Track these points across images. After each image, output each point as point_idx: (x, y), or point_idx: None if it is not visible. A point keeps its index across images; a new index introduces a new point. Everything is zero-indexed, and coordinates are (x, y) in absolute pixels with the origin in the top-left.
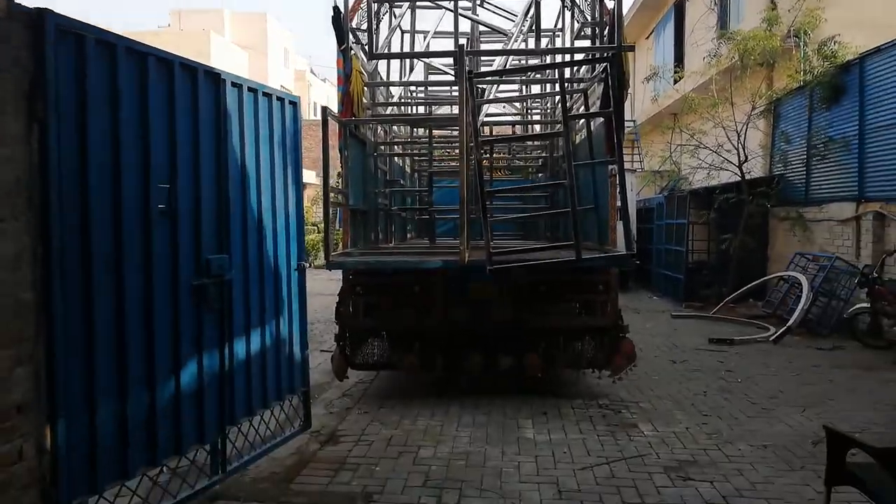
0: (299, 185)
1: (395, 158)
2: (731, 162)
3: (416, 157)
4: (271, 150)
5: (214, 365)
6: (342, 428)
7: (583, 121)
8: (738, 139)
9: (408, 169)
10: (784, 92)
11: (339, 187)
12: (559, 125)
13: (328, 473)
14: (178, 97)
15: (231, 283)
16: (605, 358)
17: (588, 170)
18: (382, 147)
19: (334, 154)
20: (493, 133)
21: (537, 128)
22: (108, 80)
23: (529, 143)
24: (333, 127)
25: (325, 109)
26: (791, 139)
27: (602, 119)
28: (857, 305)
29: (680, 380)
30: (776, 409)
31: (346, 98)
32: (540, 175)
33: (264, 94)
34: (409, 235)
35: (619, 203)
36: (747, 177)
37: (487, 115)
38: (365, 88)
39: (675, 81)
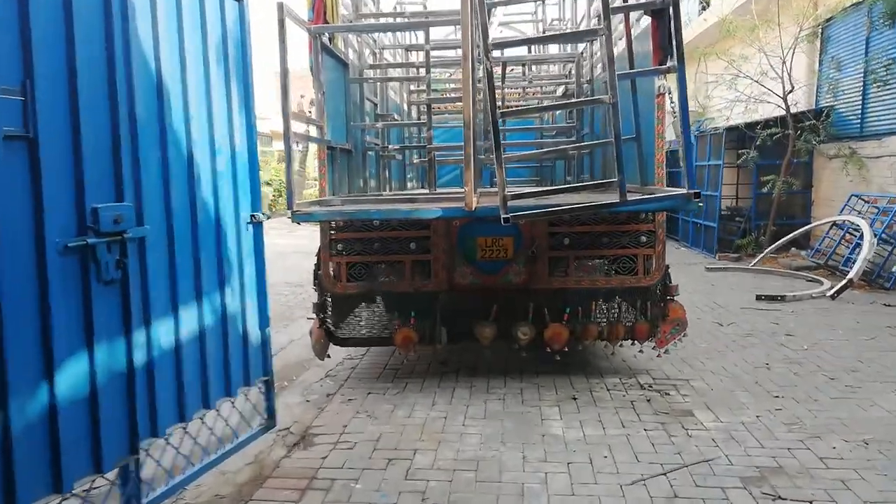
0: (250, 112)
1: (389, 89)
2: (774, 93)
3: (411, 84)
4: (206, 60)
5: (117, 360)
6: (319, 423)
7: (619, 27)
8: (783, 66)
9: (404, 104)
10: (835, 11)
11: (316, 119)
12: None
13: (290, 496)
14: None
15: (142, 242)
16: (649, 327)
17: (625, 91)
18: (370, 73)
19: (299, 72)
20: (505, 75)
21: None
22: None
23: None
24: (298, 38)
25: (280, 6)
26: (843, 66)
27: (647, 17)
28: None
29: (733, 348)
30: (862, 386)
31: (317, 2)
32: (559, 113)
33: None
34: (409, 184)
35: (669, 127)
36: (792, 110)
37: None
38: None
39: (704, 8)
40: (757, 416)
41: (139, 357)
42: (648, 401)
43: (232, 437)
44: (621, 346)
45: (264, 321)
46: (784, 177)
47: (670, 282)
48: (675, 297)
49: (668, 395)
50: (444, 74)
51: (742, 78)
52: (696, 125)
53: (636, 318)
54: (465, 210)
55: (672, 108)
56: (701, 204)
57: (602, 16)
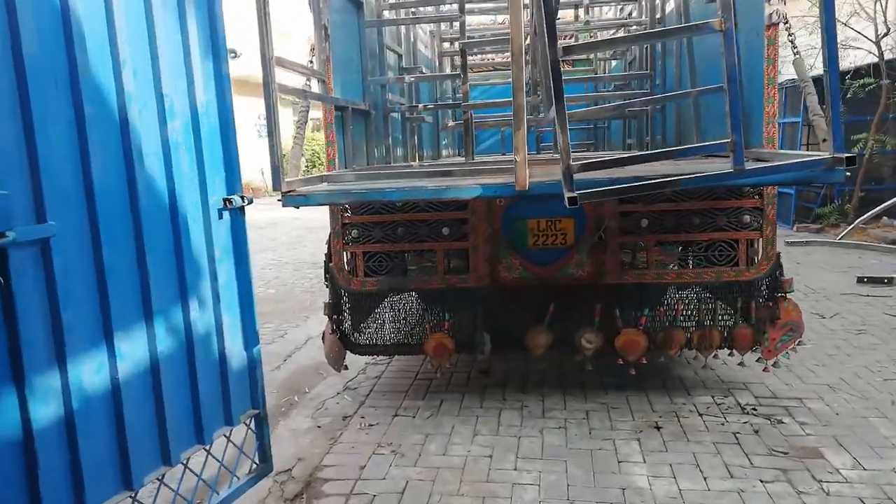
0: (221, 62)
1: (418, 41)
2: (865, 36)
3: (443, 31)
4: None
5: (7, 420)
6: (329, 463)
7: None
8: (876, 5)
9: (436, 58)
10: None
11: (315, 68)
12: None
13: None
14: None
15: (45, 246)
16: (753, 333)
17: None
18: (389, 14)
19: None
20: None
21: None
22: None
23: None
24: None
25: None
26: None
27: None
28: None
29: (847, 349)
30: None
31: None
32: (614, 64)
33: None
34: (444, 152)
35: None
36: (887, 56)
37: None
38: None
39: None
40: None
41: (45, 412)
42: (756, 432)
43: (209, 496)
44: (715, 356)
45: (251, 339)
46: (875, 134)
47: (782, 274)
48: (789, 294)
49: (781, 422)
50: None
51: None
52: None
53: (736, 320)
54: (514, 189)
55: (791, 38)
56: (849, 174)
57: None
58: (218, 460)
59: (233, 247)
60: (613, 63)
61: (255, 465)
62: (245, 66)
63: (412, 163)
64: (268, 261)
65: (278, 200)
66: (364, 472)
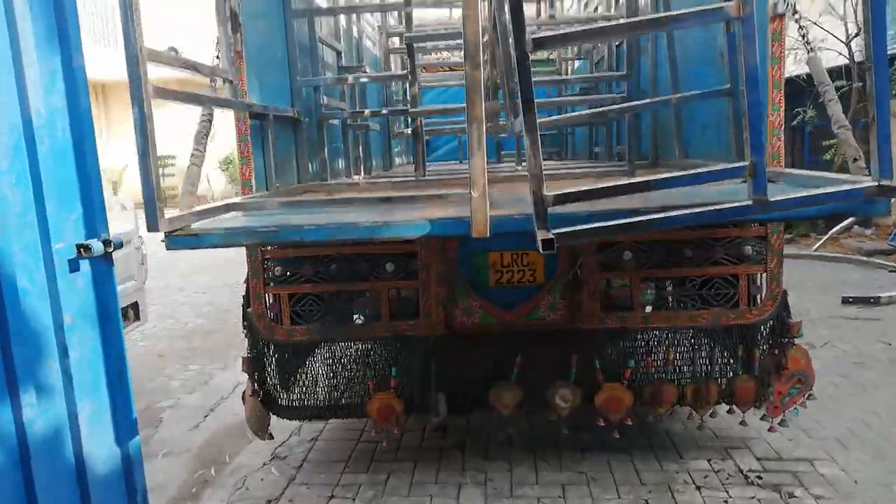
0: (71, 52)
1: (358, 30)
2: (834, 36)
3: (389, 20)
4: None
5: None
6: None
7: None
8: (846, 4)
9: (379, 52)
10: None
11: (223, 69)
12: None
13: None
14: None
15: None
16: (756, 385)
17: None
18: (324, 2)
19: None
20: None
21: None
22: None
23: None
24: None
25: None
26: None
27: None
28: None
29: (849, 388)
30: None
31: None
32: (578, 64)
33: None
34: (398, 160)
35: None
36: (858, 57)
37: None
38: None
39: None
40: None
41: None
42: None
43: None
44: (713, 413)
45: (125, 430)
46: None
47: (790, 316)
48: (796, 340)
49: (794, 496)
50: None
51: (792, 21)
52: None
53: (736, 371)
54: (469, 228)
55: (803, 32)
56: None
57: None
58: None
59: (95, 308)
60: (577, 63)
61: None
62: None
63: (356, 177)
64: (203, 283)
65: (161, 241)
66: None
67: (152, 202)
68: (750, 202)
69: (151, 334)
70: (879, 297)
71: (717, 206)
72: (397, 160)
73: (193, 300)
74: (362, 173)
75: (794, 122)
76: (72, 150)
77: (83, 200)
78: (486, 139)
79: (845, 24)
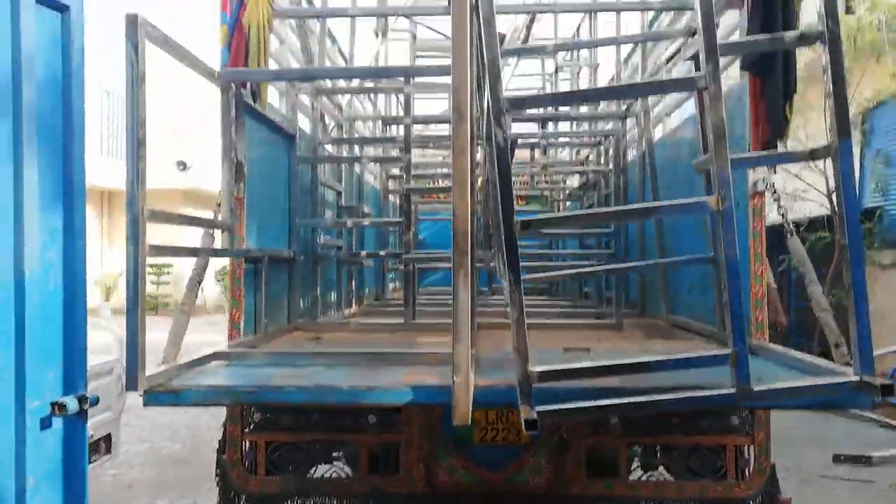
0: (74, 211)
1: (361, 167)
2: (816, 189)
3: (391, 167)
4: None
5: None
6: None
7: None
8: (825, 161)
9: (380, 187)
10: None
11: (221, 219)
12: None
13: None
14: None
15: None
16: None
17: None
18: (328, 148)
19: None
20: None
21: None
22: None
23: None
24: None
25: (132, 17)
26: (893, 160)
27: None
28: None
29: None
30: None
31: (235, 35)
32: (569, 204)
33: None
34: (391, 286)
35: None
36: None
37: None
38: (274, 20)
39: None
40: None
41: None
42: None
43: None
44: None
45: None
46: (832, 290)
47: (779, 492)
48: None
49: None
50: (438, 158)
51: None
52: None
53: None
54: (452, 399)
55: (782, 213)
56: (882, 399)
57: (703, 59)
58: None
59: (62, 469)
60: (568, 203)
61: None
62: (194, 179)
63: (347, 310)
64: None
65: (139, 396)
66: None
67: (133, 358)
68: (733, 390)
69: (124, 460)
70: (871, 457)
71: (702, 394)
72: (391, 285)
73: (172, 420)
74: (354, 307)
75: (781, 269)
76: (61, 305)
77: (65, 356)
78: (481, 273)
79: (826, 178)
